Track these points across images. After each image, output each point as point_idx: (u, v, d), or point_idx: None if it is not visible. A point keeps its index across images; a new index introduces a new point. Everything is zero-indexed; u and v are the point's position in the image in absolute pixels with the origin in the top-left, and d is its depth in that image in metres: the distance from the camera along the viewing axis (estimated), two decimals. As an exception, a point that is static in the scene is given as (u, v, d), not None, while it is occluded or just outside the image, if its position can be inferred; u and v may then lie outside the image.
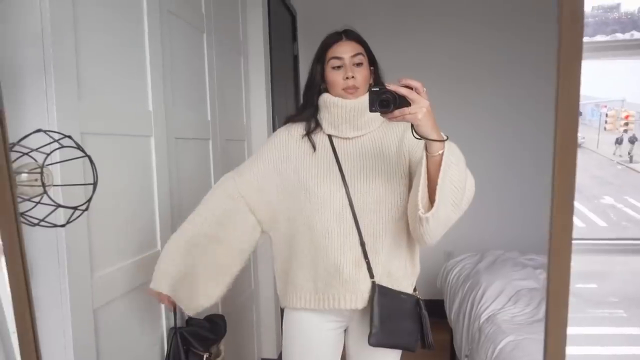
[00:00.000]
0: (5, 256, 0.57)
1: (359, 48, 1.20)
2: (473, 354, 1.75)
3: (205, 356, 1.37)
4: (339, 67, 1.19)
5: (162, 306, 1.39)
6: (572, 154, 0.49)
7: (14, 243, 0.57)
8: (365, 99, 1.17)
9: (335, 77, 1.19)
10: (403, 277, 1.21)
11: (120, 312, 1.20)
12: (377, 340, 1.13)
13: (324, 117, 1.24)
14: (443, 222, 1.03)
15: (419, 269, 1.28)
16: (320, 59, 1.23)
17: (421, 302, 1.22)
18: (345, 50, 1.19)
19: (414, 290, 1.25)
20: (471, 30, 3.11)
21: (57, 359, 1.00)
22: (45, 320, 0.99)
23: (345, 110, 1.19)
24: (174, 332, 1.36)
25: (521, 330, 1.64)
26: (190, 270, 1.22)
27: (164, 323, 1.40)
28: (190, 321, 1.48)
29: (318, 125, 1.25)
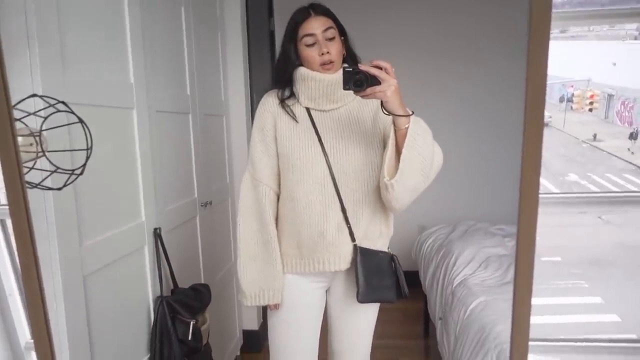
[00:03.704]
0: (12, 219, 0.60)
1: (329, 22, 1.24)
2: (446, 316, 1.86)
3: (191, 323, 1.41)
4: (312, 44, 1.23)
5: (148, 275, 1.42)
6: (539, 130, 0.55)
7: (19, 206, 0.60)
8: (340, 73, 1.24)
9: (310, 54, 1.23)
10: (378, 237, 1.30)
11: (108, 281, 1.23)
12: (364, 297, 1.21)
13: (300, 90, 1.27)
14: (411, 189, 1.12)
15: (393, 230, 1.36)
16: (292, 37, 1.26)
17: (395, 257, 1.31)
18: (316, 26, 1.22)
19: (387, 248, 1.33)
20: (444, 5, 3.16)
21: (50, 324, 1.02)
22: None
23: (323, 84, 1.24)
24: (160, 300, 1.39)
25: (491, 292, 1.74)
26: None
27: (150, 292, 1.43)
28: (175, 290, 1.52)
29: (292, 95, 1.29)
